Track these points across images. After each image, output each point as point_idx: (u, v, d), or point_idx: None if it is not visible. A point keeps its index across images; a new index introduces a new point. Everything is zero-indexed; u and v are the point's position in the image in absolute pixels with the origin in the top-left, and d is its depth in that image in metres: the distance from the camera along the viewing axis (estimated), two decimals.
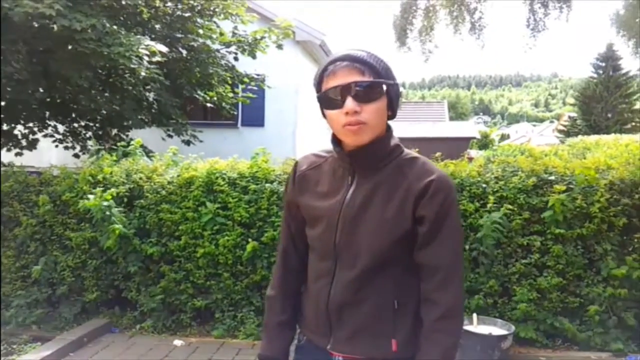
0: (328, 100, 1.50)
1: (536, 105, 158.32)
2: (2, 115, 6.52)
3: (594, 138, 15.16)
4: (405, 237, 1.52)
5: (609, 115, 29.41)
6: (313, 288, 1.67)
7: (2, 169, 5.85)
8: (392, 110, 1.54)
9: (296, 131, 11.14)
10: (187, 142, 7.92)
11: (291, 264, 1.77)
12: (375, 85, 1.47)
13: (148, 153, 6.22)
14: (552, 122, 69.92)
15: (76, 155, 7.33)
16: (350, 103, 1.44)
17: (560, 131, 34.35)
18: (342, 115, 1.46)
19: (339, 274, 1.58)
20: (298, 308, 1.76)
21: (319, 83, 1.54)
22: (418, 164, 1.56)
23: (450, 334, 1.50)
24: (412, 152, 1.62)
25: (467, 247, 4.54)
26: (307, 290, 1.72)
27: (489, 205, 4.43)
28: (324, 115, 1.56)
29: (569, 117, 35.64)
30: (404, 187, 1.52)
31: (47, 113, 6.99)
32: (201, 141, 8.16)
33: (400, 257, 1.55)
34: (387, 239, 1.52)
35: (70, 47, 5.44)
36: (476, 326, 4.11)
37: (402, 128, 22.94)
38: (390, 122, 1.59)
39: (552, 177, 4.56)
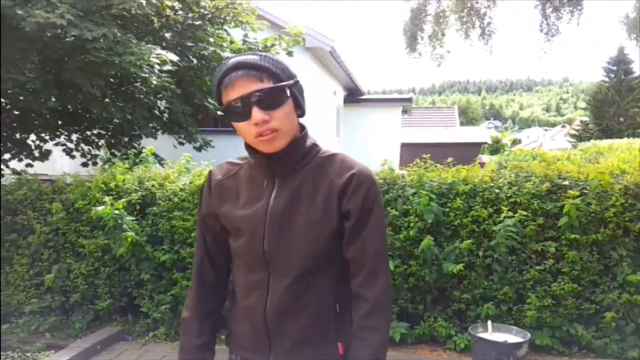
0: (233, 113, 1.43)
1: (547, 109, 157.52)
2: (1, 122, 6.59)
3: (606, 142, 15.07)
4: (335, 235, 1.49)
5: (622, 119, 29.24)
6: (245, 303, 1.58)
7: (16, 177, 5.90)
8: (300, 109, 1.50)
9: None
10: (199, 148, 7.93)
11: (207, 281, 1.66)
12: (278, 89, 1.42)
13: (160, 161, 6.25)
14: (563, 126, 69.58)
15: (84, 164, 7.38)
16: (257, 113, 1.39)
17: (572, 136, 34.18)
18: (251, 126, 1.41)
19: (273, 284, 1.52)
20: (217, 329, 1.69)
21: (218, 96, 1.47)
22: (337, 160, 1.53)
23: (378, 330, 1.47)
24: (330, 150, 1.58)
25: (480, 253, 4.51)
26: (237, 306, 1.63)
27: (502, 215, 4.40)
28: (233, 127, 1.49)
29: (581, 121, 35.47)
30: (326, 184, 1.49)
31: (60, 122, 7.03)
32: (213, 147, 8.18)
33: (334, 258, 1.52)
34: (318, 240, 1.48)
35: (81, 56, 5.48)
36: (491, 333, 4.07)
37: (412, 133, 22.91)
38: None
39: (566, 182, 4.52)
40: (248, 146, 1.53)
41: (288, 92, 1.44)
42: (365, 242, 1.48)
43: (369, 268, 1.48)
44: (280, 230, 1.49)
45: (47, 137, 7.15)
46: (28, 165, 6.79)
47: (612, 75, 31.18)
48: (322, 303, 1.53)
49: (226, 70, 1.43)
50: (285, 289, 1.50)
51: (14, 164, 6.94)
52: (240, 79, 1.40)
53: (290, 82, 1.46)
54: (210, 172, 1.67)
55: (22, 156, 6.94)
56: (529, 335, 4.08)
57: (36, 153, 7.01)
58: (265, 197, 1.52)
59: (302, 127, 1.56)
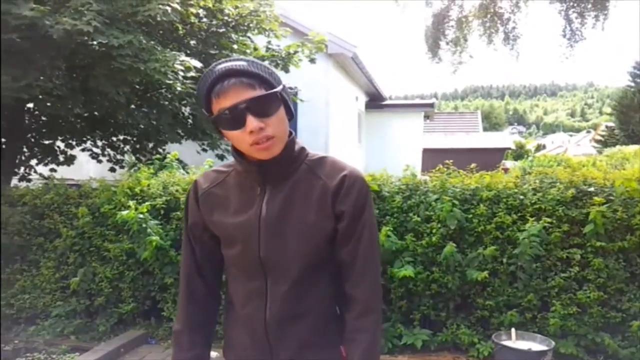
0: (226, 122, 1.40)
1: (572, 114, 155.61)
2: (26, 128, 6.73)
3: (632, 148, 14.85)
4: (330, 237, 1.49)
5: None
6: (243, 312, 1.56)
7: (43, 182, 6.02)
8: (290, 114, 1.49)
9: (328, 142, 11.18)
10: (221, 157, 7.99)
11: (197, 293, 1.63)
12: (271, 96, 1.40)
13: (184, 167, 6.31)
14: (589, 132, 68.68)
15: (112, 169, 7.49)
16: (253, 122, 1.37)
17: (597, 141, 33.76)
18: (246, 134, 1.38)
19: (272, 290, 1.49)
20: (209, 341, 1.67)
21: (207, 104, 1.43)
22: (327, 162, 1.53)
23: (367, 331, 1.47)
24: (318, 153, 1.58)
25: (504, 260, 4.47)
26: (235, 316, 1.60)
27: (527, 225, 4.35)
28: (222, 135, 1.47)
29: (606, 126, 35.03)
30: (319, 187, 1.49)
31: (86, 128, 7.16)
32: None
33: (331, 260, 1.51)
34: (314, 242, 1.47)
35: (108, 63, 5.57)
36: (515, 341, 4.03)
37: (435, 139, 22.79)
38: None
39: (592, 189, 4.46)
40: (236, 153, 1.51)
41: (279, 97, 1.44)
42: (356, 243, 1.49)
43: (359, 269, 1.49)
44: (275, 236, 1.48)
45: (73, 143, 7.28)
46: (52, 170, 6.91)
47: (638, 80, 30.73)
48: (322, 306, 1.53)
49: (216, 78, 1.39)
50: (285, 295, 1.48)
51: (39, 168, 7.08)
52: (232, 87, 1.37)
53: (280, 87, 1.44)
54: (195, 182, 1.64)
55: (47, 161, 7.08)
56: (553, 343, 4.03)
57: (61, 158, 7.14)
58: (258, 203, 1.50)
59: (290, 133, 1.52)
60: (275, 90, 1.42)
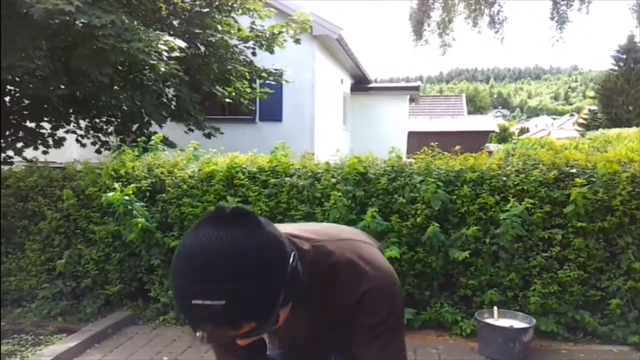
0: None
1: (556, 98, 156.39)
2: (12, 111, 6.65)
3: (615, 131, 15.01)
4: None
5: (631, 108, 29.03)
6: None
7: (26, 164, 5.96)
8: (288, 295, 1.16)
9: (314, 125, 11.17)
10: (208, 135, 7.97)
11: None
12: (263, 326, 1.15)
13: (171, 145, 6.28)
14: (572, 115, 69.27)
15: (98, 151, 7.44)
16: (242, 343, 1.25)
17: (580, 124, 34.02)
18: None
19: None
20: None
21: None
22: (342, 276, 1.34)
23: None
24: (326, 259, 1.34)
25: (487, 240, 4.53)
26: None
27: (509, 205, 4.41)
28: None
29: (590, 110, 35.31)
30: (335, 309, 1.38)
31: (69, 109, 7.08)
32: (222, 133, 8.21)
33: None
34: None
35: (90, 43, 5.50)
36: (497, 319, 4.11)
37: (420, 122, 22.87)
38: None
39: (574, 170, 4.53)
40: None
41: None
42: (369, 346, 1.37)
43: None
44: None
45: (57, 125, 7.20)
46: (44, 152, 6.84)
47: (622, 64, 30.97)
48: None
49: (191, 319, 1.16)
50: None
51: (28, 152, 6.99)
52: (212, 334, 1.18)
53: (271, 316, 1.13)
54: None
55: (38, 144, 6.98)
56: (534, 321, 4.12)
57: (50, 140, 7.06)
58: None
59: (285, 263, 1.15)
60: (265, 323, 1.12)
